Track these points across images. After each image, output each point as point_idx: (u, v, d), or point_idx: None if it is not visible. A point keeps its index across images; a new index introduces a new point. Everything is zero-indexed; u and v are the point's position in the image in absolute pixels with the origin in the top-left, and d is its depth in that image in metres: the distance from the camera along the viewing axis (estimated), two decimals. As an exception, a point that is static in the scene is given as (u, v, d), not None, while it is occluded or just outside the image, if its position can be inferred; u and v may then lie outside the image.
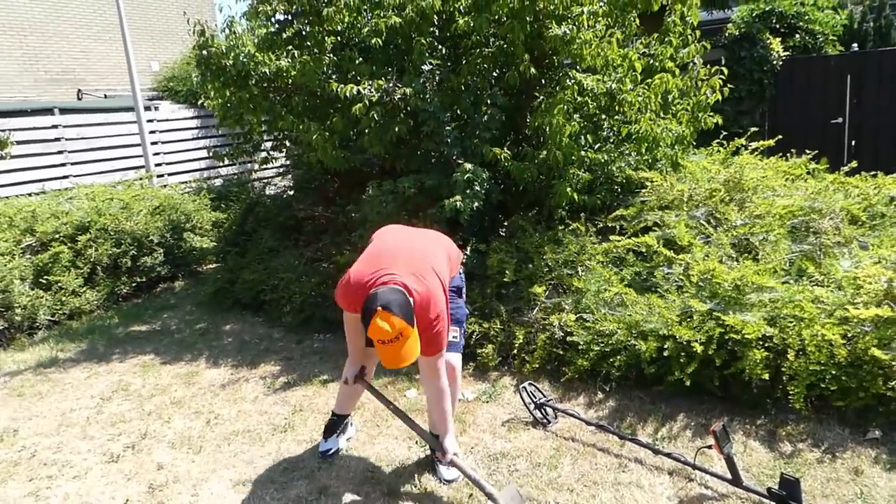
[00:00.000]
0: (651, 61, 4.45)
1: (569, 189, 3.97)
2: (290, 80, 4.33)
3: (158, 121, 8.39)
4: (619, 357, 3.15)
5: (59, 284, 4.92)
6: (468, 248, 3.94)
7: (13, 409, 3.55)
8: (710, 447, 2.37)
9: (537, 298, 3.61)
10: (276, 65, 4.23)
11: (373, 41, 4.06)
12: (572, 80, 4.02)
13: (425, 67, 4.03)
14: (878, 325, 2.77)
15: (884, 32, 9.08)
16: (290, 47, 4.36)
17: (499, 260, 3.88)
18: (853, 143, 7.71)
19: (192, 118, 8.92)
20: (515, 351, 3.52)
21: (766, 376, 2.79)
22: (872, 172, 4.43)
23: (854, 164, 4.58)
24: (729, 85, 4.62)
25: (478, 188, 3.77)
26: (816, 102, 7.86)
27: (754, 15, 8.27)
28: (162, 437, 3.13)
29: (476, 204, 3.76)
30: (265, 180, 8.76)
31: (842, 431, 2.73)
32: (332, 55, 4.27)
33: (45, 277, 4.88)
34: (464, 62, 4.27)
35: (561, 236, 3.99)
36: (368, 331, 2.13)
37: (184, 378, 3.82)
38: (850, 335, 2.79)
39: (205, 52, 4.35)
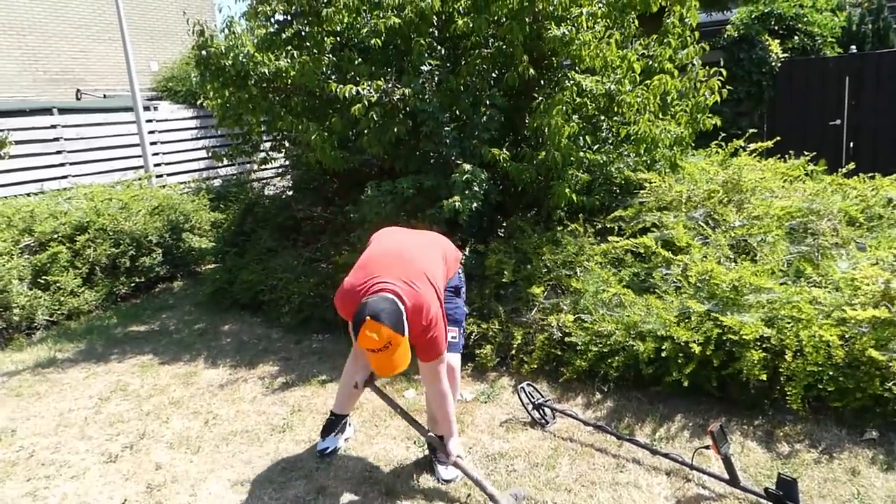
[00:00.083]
0: (650, 62, 4.46)
1: (567, 190, 3.98)
2: (290, 81, 4.33)
3: (157, 121, 8.37)
4: (617, 358, 3.15)
5: (58, 284, 4.92)
6: (467, 249, 3.94)
7: (11, 409, 3.55)
8: (707, 447, 2.38)
9: (536, 299, 3.61)
10: (275, 65, 4.23)
11: (372, 42, 4.07)
12: (571, 81, 4.03)
13: (424, 68, 4.03)
14: (876, 326, 2.78)
15: (882, 34, 9.07)
16: (289, 48, 4.36)
17: (497, 260, 3.88)
18: (851, 144, 7.71)
19: (192, 118, 8.90)
20: (514, 351, 3.52)
21: (764, 377, 2.79)
22: (870, 174, 4.43)
23: (852, 165, 4.59)
24: (728, 86, 4.63)
25: (476, 189, 3.78)
26: (815, 104, 7.86)
27: (753, 17, 8.27)
28: (160, 438, 3.13)
29: (475, 204, 3.76)
30: (264, 180, 8.74)
31: (839, 432, 2.73)
32: (331, 56, 4.27)
33: (44, 277, 4.88)
34: (463, 63, 4.27)
35: (559, 237, 4.00)
36: (357, 341, 2.16)
37: (182, 378, 3.82)
38: (847, 336, 2.80)
39: (204, 52, 4.34)
